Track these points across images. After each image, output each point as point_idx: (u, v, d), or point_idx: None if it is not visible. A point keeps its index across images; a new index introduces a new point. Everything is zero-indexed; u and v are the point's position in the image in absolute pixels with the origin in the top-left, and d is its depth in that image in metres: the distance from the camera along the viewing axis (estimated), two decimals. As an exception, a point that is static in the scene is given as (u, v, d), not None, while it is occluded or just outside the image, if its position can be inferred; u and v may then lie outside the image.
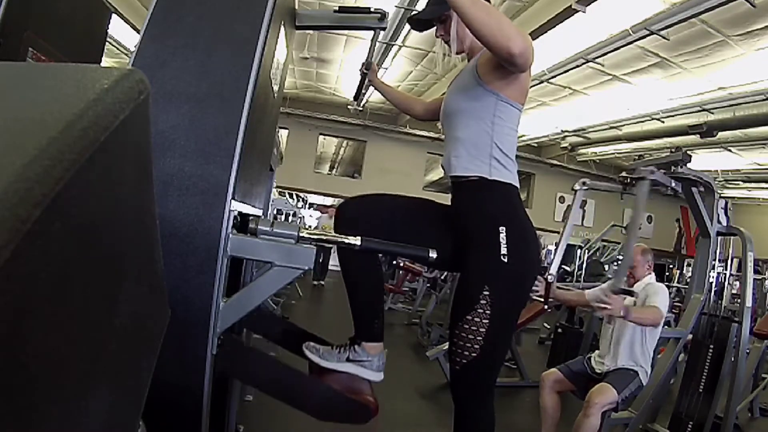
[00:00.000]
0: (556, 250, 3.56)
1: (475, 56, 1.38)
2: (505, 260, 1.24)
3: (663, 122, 7.87)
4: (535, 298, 3.38)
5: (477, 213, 1.31)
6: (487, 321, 1.23)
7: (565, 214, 13.08)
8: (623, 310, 2.22)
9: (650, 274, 2.64)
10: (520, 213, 1.31)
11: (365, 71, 1.75)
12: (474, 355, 1.25)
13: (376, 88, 1.80)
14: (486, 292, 1.23)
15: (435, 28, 1.44)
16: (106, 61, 4.85)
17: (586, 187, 3.66)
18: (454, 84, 1.43)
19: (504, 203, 1.30)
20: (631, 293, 2.43)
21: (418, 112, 1.77)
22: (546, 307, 3.48)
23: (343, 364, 1.31)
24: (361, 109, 10.25)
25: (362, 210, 1.39)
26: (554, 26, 5.37)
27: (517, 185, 1.33)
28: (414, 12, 1.83)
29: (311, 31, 6.63)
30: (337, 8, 1.55)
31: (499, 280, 1.25)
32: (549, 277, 3.10)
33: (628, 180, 3.11)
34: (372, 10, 1.55)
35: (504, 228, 1.25)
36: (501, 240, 1.24)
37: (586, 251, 7.04)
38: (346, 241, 1.16)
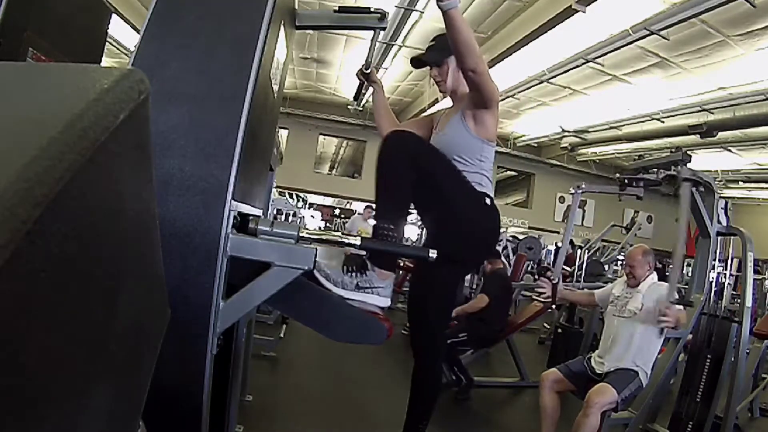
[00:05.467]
0: (556, 251, 3.59)
1: (458, 101, 1.66)
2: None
3: (663, 122, 7.87)
4: (541, 300, 3.39)
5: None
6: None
7: (565, 214, 13.08)
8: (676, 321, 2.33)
9: (652, 274, 2.64)
10: (481, 203, 1.56)
11: (366, 71, 1.76)
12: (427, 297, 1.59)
13: (372, 86, 1.83)
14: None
15: (430, 68, 1.67)
16: (106, 61, 4.85)
17: (581, 191, 3.71)
18: (442, 131, 1.66)
19: (474, 198, 1.55)
20: (690, 304, 2.53)
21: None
22: (553, 306, 3.51)
23: (354, 293, 1.33)
24: (361, 109, 10.24)
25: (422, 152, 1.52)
26: (554, 26, 5.38)
27: (490, 198, 1.59)
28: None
29: (311, 31, 6.63)
30: (337, 8, 1.55)
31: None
32: (554, 278, 3.11)
33: (626, 180, 3.12)
34: (372, 10, 1.55)
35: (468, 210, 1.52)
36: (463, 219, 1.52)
37: (586, 251, 7.03)
38: (347, 241, 1.16)
